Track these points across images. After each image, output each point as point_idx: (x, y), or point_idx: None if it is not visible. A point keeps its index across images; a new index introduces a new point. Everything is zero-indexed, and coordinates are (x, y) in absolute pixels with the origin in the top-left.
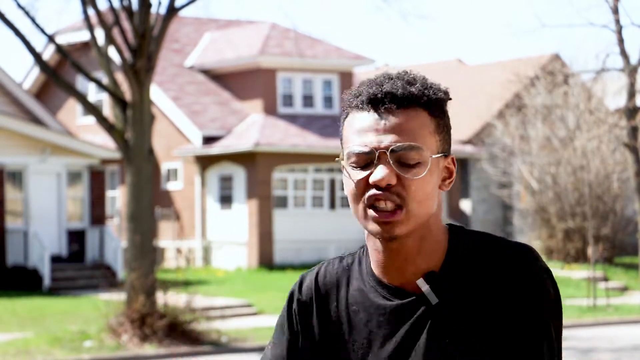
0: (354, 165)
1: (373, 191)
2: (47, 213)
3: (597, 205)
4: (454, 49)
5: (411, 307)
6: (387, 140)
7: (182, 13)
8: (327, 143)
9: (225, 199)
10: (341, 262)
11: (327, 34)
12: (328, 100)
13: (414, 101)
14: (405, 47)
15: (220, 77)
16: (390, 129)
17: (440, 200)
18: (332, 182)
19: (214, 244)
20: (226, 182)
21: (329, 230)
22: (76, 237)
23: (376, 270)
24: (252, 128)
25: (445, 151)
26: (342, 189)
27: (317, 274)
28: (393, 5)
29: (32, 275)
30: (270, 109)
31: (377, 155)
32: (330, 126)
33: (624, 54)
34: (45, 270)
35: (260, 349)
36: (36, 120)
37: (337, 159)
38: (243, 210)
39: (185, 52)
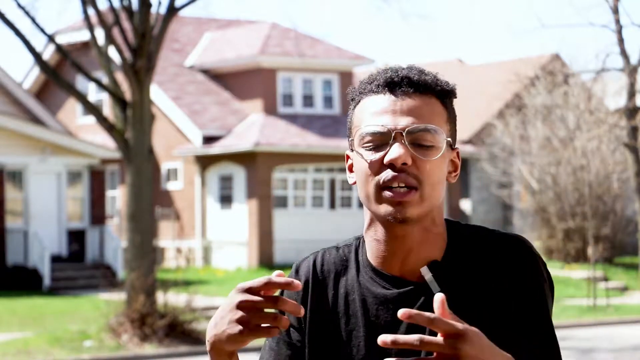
0: (367, 146)
1: (389, 171)
2: (47, 213)
3: (597, 205)
4: (454, 49)
5: (412, 296)
6: (404, 121)
7: (182, 13)
8: (327, 143)
9: (225, 199)
10: (338, 251)
11: (327, 34)
12: (328, 100)
13: (428, 88)
14: (405, 47)
15: (220, 77)
16: (407, 111)
17: (443, 193)
18: (332, 182)
19: (214, 244)
20: (226, 182)
21: (329, 230)
22: (76, 237)
23: (374, 261)
24: (252, 128)
25: (453, 143)
26: (342, 189)
27: (315, 260)
28: (393, 5)
29: (32, 275)
30: (270, 109)
31: (393, 135)
32: (330, 126)
33: (624, 54)
34: (45, 270)
35: (260, 349)
36: (36, 120)
37: (350, 139)
38: (243, 210)
39: (185, 52)
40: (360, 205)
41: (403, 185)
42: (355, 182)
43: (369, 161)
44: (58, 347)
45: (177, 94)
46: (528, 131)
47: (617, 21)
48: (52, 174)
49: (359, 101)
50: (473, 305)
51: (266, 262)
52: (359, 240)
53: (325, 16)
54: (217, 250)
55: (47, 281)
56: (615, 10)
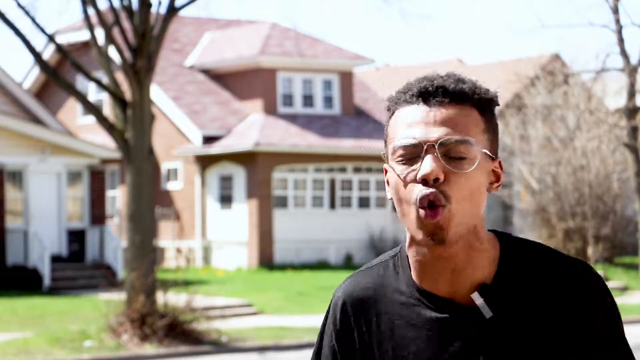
0: (400, 160)
1: (421, 188)
2: (47, 213)
3: (597, 205)
4: (454, 49)
5: (463, 320)
6: (437, 133)
7: (182, 13)
8: (327, 143)
9: (225, 199)
10: (372, 273)
11: (327, 34)
12: (328, 100)
13: (465, 98)
14: (405, 47)
15: (221, 77)
16: (441, 122)
17: (483, 207)
18: (332, 182)
19: (214, 244)
20: (226, 182)
21: (329, 230)
22: (76, 237)
23: (419, 281)
24: (252, 128)
25: (493, 153)
26: (342, 189)
27: (350, 289)
28: (393, 5)
29: (32, 275)
30: (270, 109)
31: (425, 147)
32: (330, 126)
33: (624, 54)
34: (45, 270)
35: (260, 349)
36: (36, 120)
37: (382, 153)
38: (243, 210)
39: (185, 52)
40: (360, 205)
41: (435, 202)
42: (392, 198)
43: (401, 176)
44: (58, 347)
45: (177, 94)
46: (528, 131)
47: (617, 21)
48: (52, 174)
49: (394, 112)
50: (528, 331)
51: (266, 262)
52: (396, 257)
53: (325, 16)
54: (217, 250)
55: (47, 281)
56: (615, 10)
